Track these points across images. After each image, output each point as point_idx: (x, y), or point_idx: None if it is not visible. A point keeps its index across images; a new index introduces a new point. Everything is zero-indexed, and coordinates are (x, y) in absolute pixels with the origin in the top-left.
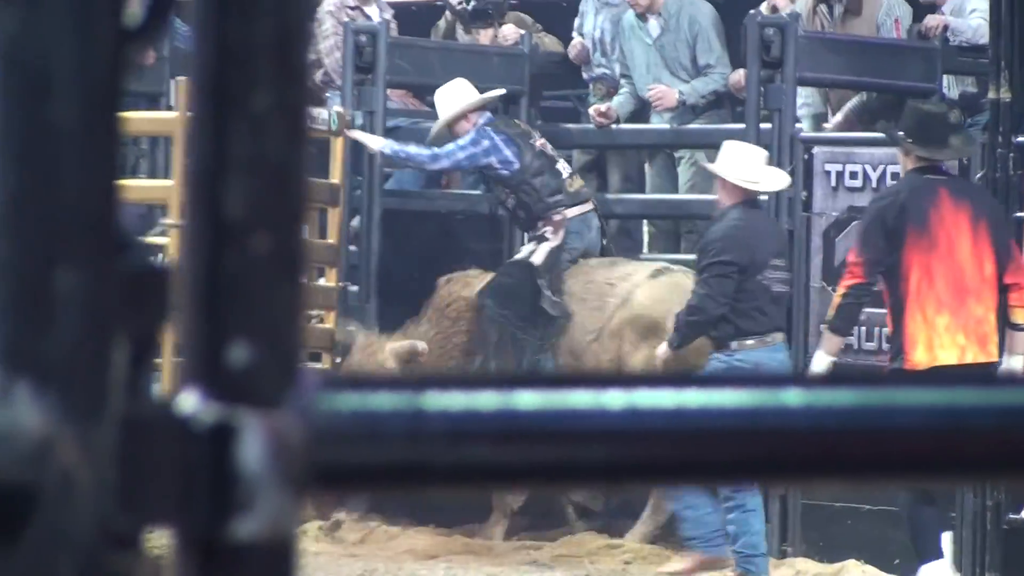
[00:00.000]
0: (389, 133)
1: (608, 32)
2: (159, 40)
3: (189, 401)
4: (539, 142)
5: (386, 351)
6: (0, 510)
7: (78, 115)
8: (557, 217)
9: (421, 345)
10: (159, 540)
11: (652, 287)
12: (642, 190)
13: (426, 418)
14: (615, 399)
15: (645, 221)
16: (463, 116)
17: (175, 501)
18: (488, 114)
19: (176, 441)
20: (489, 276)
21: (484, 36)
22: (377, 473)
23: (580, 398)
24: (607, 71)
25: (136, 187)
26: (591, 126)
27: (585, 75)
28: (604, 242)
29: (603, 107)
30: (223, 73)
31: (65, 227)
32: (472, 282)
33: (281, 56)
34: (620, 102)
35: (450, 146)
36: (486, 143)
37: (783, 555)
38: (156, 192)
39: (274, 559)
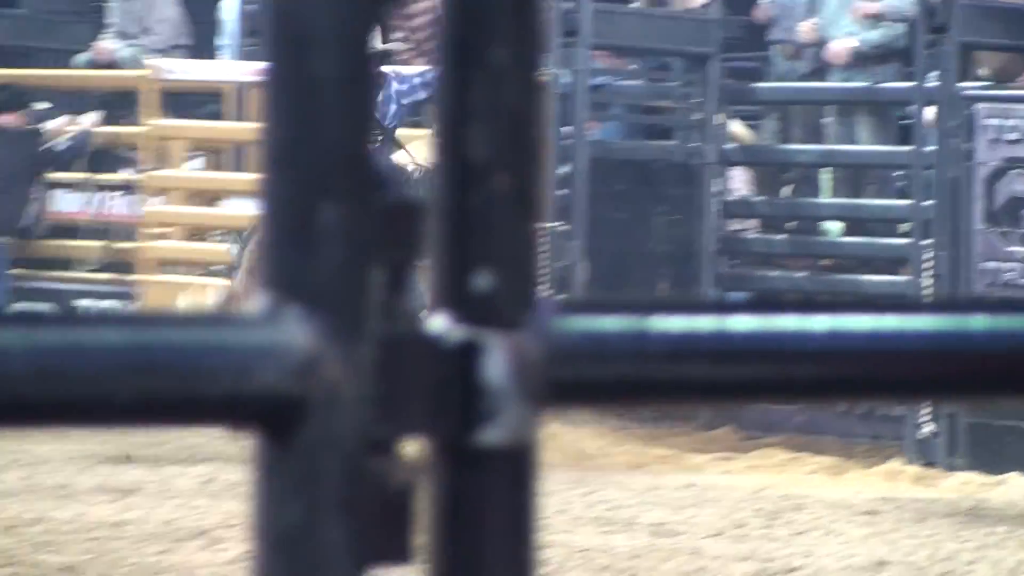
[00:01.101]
0: (593, 90)
1: None
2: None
3: (439, 323)
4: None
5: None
6: (274, 418)
7: (337, 68)
8: None
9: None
10: (413, 446)
11: None
12: (821, 142)
13: (649, 339)
14: (820, 323)
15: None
16: None
17: (427, 412)
18: None
19: (428, 359)
20: None
21: (678, 2)
22: (605, 388)
23: (788, 321)
24: (789, 35)
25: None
26: (775, 84)
27: (769, 37)
28: None
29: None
30: (466, 31)
31: (328, 167)
32: None
33: (517, 14)
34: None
35: None
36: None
37: (951, 468)
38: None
39: (516, 464)
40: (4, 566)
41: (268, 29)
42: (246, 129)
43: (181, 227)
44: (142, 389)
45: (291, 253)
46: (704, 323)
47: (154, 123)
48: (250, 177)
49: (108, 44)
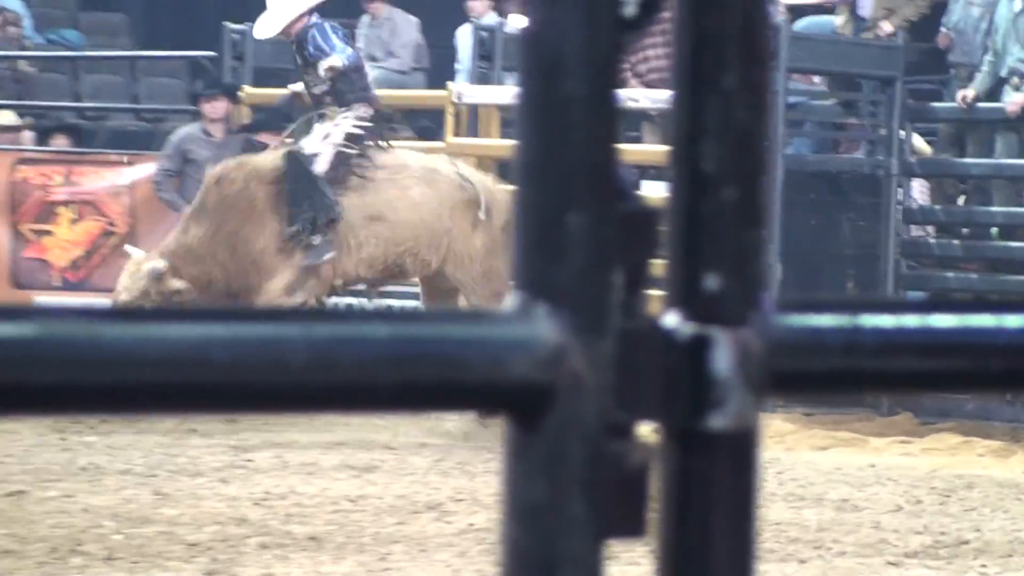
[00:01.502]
0: (788, 108)
1: (970, 24)
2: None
3: (672, 319)
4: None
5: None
6: (524, 404)
7: (585, 88)
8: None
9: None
10: (648, 431)
11: None
12: (991, 156)
13: (861, 333)
14: (1013, 320)
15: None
16: (297, 20)
17: (661, 399)
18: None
19: (662, 352)
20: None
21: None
22: (819, 379)
23: (985, 319)
24: (966, 58)
25: (631, 150)
26: (952, 104)
27: (949, 60)
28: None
29: (969, 94)
30: (699, 57)
31: (574, 178)
32: (247, 163)
33: (746, 42)
34: (980, 79)
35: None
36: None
37: None
38: (647, 155)
39: (740, 447)
40: (257, 535)
41: (523, 55)
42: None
43: None
44: (407, 378)
45: (541, 257)
46: (910, 320)
47: (453, 140)
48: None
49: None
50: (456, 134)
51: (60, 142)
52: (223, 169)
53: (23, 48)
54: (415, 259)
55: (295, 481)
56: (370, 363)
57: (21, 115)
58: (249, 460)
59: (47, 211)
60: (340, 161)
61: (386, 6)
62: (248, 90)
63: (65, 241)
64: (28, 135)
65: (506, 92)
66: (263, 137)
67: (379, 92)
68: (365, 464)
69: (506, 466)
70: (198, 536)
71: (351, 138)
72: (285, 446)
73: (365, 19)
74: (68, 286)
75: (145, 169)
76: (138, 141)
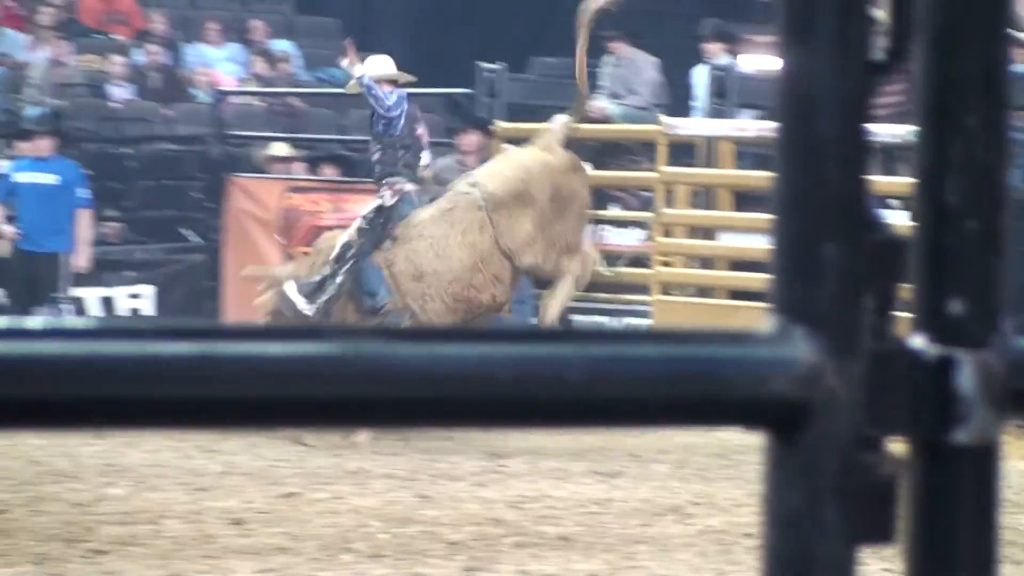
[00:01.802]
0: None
1: None
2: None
3: (918, 341)
4: (420, 130)
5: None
6: (783, 419)
7: (837, 128)
8: (398, 186)
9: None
10: (896, 444)
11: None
12: None
13: None
14: None
15: None
16: (389, 80)
17: (908, 415)
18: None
19: (909, 371)
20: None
21: None
22: None
23: None
24: None
25: (880, 182)
26: None
27: None
28: None
29: None
30: (943, 99)
31: (829, 211)
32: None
33: (987, 85)
34: None
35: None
36: (403, 104)
37: None
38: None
39: (982, 460)
40: (512, 535)
41: (780, 98)
42: (737, 176)
43: (684, 256)
44: (676, 395)
45: (798, 283)
46: None
47: (665, 169)
48: (742, 216)
49: (601, 103)
50: (667, 163)
51: (328, 171)
52: None
53: (294, 85)
54: (479, 291)
55: (546, 485)
56: (642, 380)
57: (293, 147)
58: (504, 466)
59: (316, 235)
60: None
61: (628, 47)
62: (501, 125)
63: None
64: (299, 165)
65: (716, 125)
66: None
67: (609, 127)
68: (611, 469)
69: (766, 476)
70: (458, 536)
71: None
72: (537, 452)
73: (608, 59)
74: None
75: None
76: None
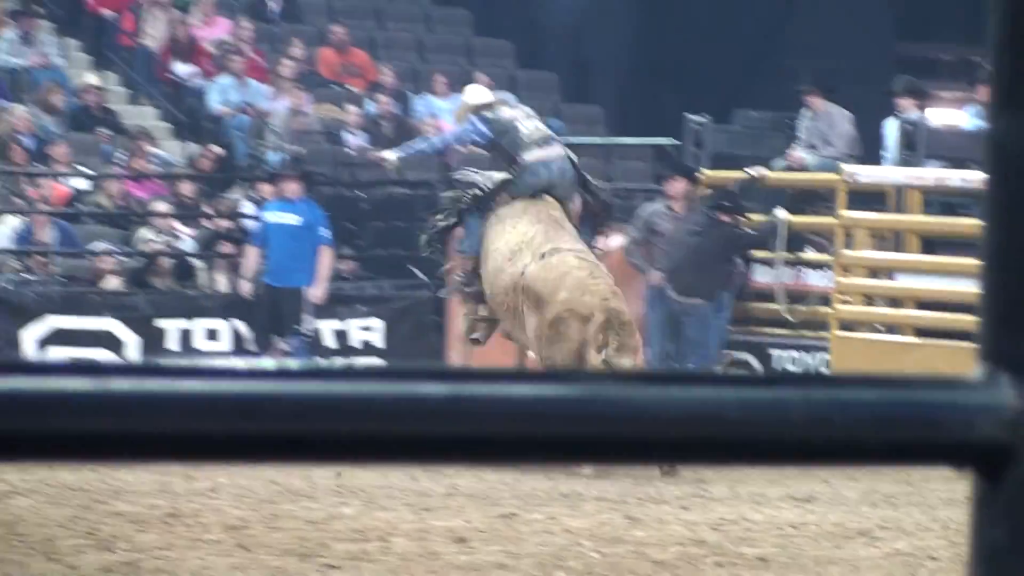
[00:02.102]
0: None
1: None
2: None
3: None
4: (509, 113)
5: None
6: (988, 460)
7: None
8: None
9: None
10: None
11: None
12: None
13: None
14: None
15: None
16: (472, 110)
17: None
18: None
19: None
20: None
21: None
22: None
23: None
24: None
25: None
26: None
27: None
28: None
29: None
30: None
31: None
32: None
33: None
34: None
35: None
36: (468, 126)
37: None
38: None
39: None
40: (713, 556)
41: (988, 157)
42: (915, 222)
43: (864, 295)
44: (891, 436)
45: (1004, 333)
46: None
47: (845, 214)
48: (918, 257)
49: (799, 153)
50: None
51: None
52: None
53: None
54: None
55: (746, 509)
56: (860, 422)
57: None
58: (706, 490)
59: None
60: None
61: (824, 101)
62: (706, 172)
63: None
64: None
65: (895, 173)
66: (721, 215)
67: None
68: (805, 494)
69: (972, 514)
70: (663, 555)
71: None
72: (737, 479)
73: (806, 112)
74: None
75: (618, 238)
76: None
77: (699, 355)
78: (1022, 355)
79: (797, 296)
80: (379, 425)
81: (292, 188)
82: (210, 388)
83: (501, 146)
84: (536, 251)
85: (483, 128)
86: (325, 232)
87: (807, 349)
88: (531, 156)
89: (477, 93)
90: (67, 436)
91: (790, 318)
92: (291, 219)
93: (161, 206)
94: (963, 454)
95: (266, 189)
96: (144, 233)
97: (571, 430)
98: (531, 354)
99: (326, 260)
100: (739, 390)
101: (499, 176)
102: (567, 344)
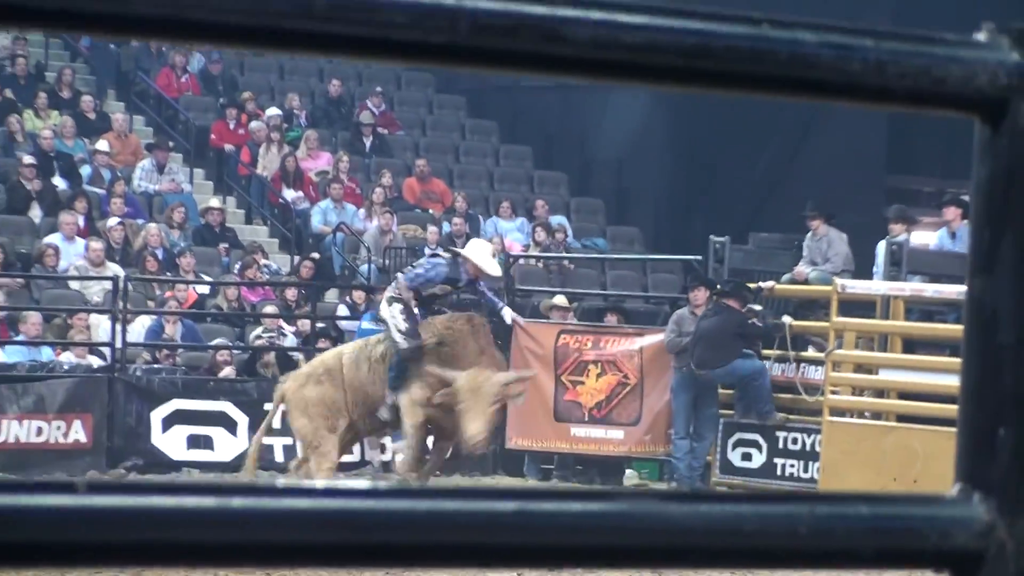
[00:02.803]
0: None
1: None
2: None
3: None
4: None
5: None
6: (964, 564)
7: (1013, 337)
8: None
9: (528, 373)
10: None
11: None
12: None
13: None
14: None
15: None
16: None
17: None
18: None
19: None
20: None
21: None
22: None
23: None
24: None
25: None
26: None
27: None
28: None
29: None
30: None
31: (1005, 403)
32: None
33: None
34: None
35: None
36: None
37: None
38: None
39: None
40: None
41: (968, 312)
42: (897, 326)
43: (856, 387)
44: (882, 545)
45: (978, 458)
46: None
47: (837, 319)
48: (899, 356)
49: (802, 268)
50: (839, 315)
51: (612, 319)
52: None
53: (566, 251)
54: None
55: None
56: (856, 533)
57: (568, 299)
58: None
59: (581, 367)
60: None
61: (825, 225)
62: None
63: (593, 388)
64: (571, 314)
65: (879, 286)
66: (729, 301)
67: (775, 285)
68: None
69: None
70: None
71: None
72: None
73: (809, 234)
74: (593, 420)
75: (652, 338)
76: (647, 319)
77: (711, 426)
78: (990, 477)
79: (803, 388)
80: (458, 536)
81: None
82: (312, 504)
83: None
84: None
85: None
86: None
87: (807, 432)
88: None
89: (479, 250)
90: (194, 546)
91: (809, 400)
92: (372, 326)
93: (269, 308)
94: (942, 560)
95: (358, 295)
96: (255, 330)
97: (617, 541)
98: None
99: None
100: (755, 506)
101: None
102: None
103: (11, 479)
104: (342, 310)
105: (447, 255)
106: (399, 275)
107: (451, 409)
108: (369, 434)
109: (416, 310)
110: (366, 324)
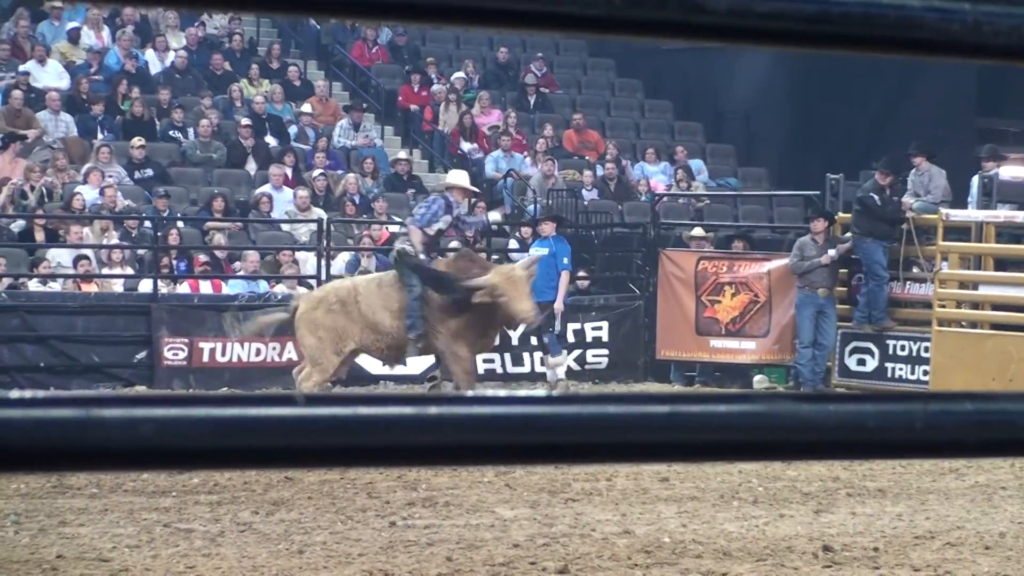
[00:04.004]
0: None
1: None
2: None
3: None
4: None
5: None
6: None
7: None
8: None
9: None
10: None
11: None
12: None
13: None
14: None
15: None
16: (462, 190)
17: None
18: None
19: None
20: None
21: None
22: None
23: None
24: None
25: None
26: None
27: None
28: None
29: None
30: None
31: None
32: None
33: None
34: None
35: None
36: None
37: None
38: None
39: None
40: (843, 488)
41: None
42: (991, 248)
43: (956, 301)
44: (982, 435)
45: None
46: None
47: (941, 243)
48: (993, 273)
49: (907, 199)
50: (944, 240)
51: (739, 245)
52: None
53: (701, 189)
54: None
55: None
56: (964, 427)
57: (704, 230)
58: None
59: (718, 288)
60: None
61: (926, 162)
62: (840, 215)
63: (728, 306)
64: (708, 243)
65: (978, 214)
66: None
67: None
68: None
69: None
70: (809, 488)
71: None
72: None
73: (912, 170)
74: (729, 333)
75: (777, 263)
76: (773, 246)
77: (829, 339)
78: None
79: (912, 303)
80: (620, 436)
81: (546, 229)
82: (496, 411)
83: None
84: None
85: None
86: (566, 261)
87: (913, 340)
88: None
89: (458, 177)
90: (396, 448)
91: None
92: (543, 251)
93: (453, 244)
94: None
95: (525, 230)
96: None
97: (757, 437)
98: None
99: (564, 282)
100: (876, 404)
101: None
102: None
103: (239, 393)
104: (512, 244)
105: (434, 193)
106: (407, 222)
107: (492, 306)
108: (381, 353)
109: (422, 256)
110: (535, 250)
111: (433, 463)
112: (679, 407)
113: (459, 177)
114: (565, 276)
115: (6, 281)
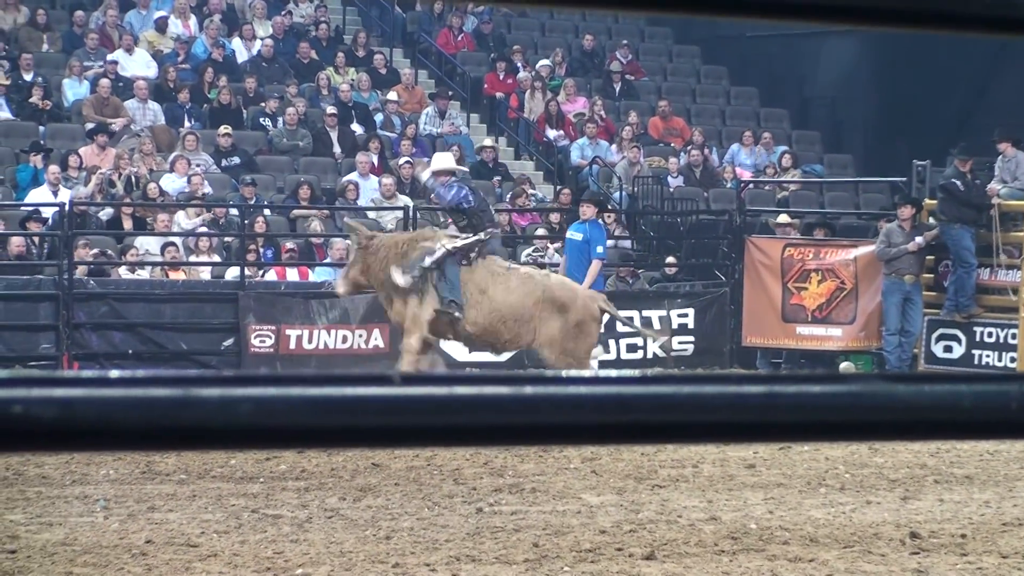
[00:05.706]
0: None
1: None
2: None
3: None
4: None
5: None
6: None
7: None
8: (491, 230)
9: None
10: None
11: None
12: None
13: None
14: None
15: None
16: (448, 172)
17: None
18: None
19: None
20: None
21: None
22: None
23: None
24: None
25: None
26: None
27: None
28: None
29: None
30: None
31: None
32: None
33: None
34: None
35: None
36: (462, 191)
37: None
38: None
39: None
40: (931, 475)
41: None
42: None
43: None
44: None
45: None
46: None
47: None
48: None
49: (994, 186)
50: None
51: (819, 233)
52: None
53: (789, 176)
54: (506, 327)
55: (956, 441)
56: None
57: (790, 216)
58: None
59: (804, 275)
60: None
61: (1012, 148)
62: (928, 202)
63: (815, 293)
64: (793, 229)
65: None
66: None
67: (1008, 202)
68: None
69: None
70: (896, 475)
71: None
72: None
73: (999, 157)
74: (815, 320)
75: (864, 249)
76: (859, 232)
77: (915, 326)
78: None
79: (997, 289)
80: (714, 415)
81: (587, 212)
82: (590, 391)
83: (478, 214)
84: (539, 275)
85: (471, 197)
86: (600, 250)
87: (1000, 327)
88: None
89: (444, 160)
90: (491, 428)
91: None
92: (577, 236)
93: (540, 231)
94: None
95: (554, 217)
96: (525, 250)
97: (851, 417)
98: (546, 353)
99: (594, 271)
100: (971, 385)
101: (474, 237)
102: (590, 339)
103: (336, 373)
104: (540, 231)
105: (449, 179)
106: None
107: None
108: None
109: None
110: (569, 233)
111: (529, 442)
112: (774, 387)
113: (444, 159)
114: (596, 265)
115: (95, 269)
